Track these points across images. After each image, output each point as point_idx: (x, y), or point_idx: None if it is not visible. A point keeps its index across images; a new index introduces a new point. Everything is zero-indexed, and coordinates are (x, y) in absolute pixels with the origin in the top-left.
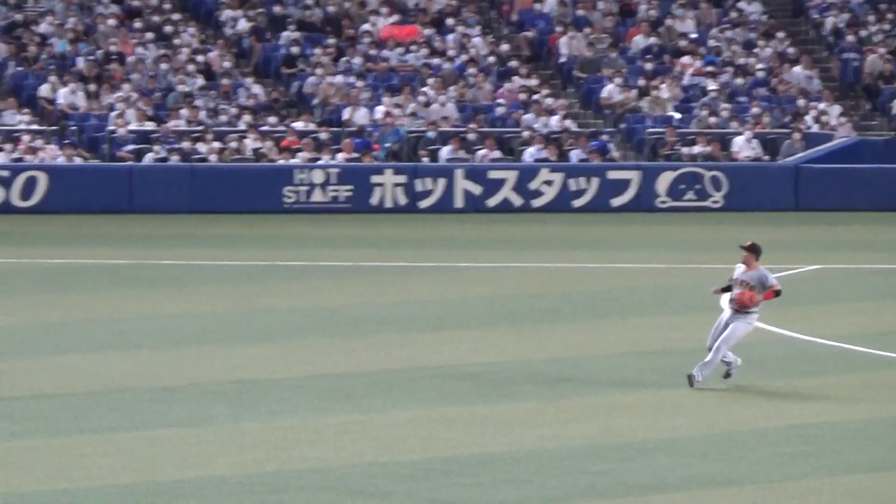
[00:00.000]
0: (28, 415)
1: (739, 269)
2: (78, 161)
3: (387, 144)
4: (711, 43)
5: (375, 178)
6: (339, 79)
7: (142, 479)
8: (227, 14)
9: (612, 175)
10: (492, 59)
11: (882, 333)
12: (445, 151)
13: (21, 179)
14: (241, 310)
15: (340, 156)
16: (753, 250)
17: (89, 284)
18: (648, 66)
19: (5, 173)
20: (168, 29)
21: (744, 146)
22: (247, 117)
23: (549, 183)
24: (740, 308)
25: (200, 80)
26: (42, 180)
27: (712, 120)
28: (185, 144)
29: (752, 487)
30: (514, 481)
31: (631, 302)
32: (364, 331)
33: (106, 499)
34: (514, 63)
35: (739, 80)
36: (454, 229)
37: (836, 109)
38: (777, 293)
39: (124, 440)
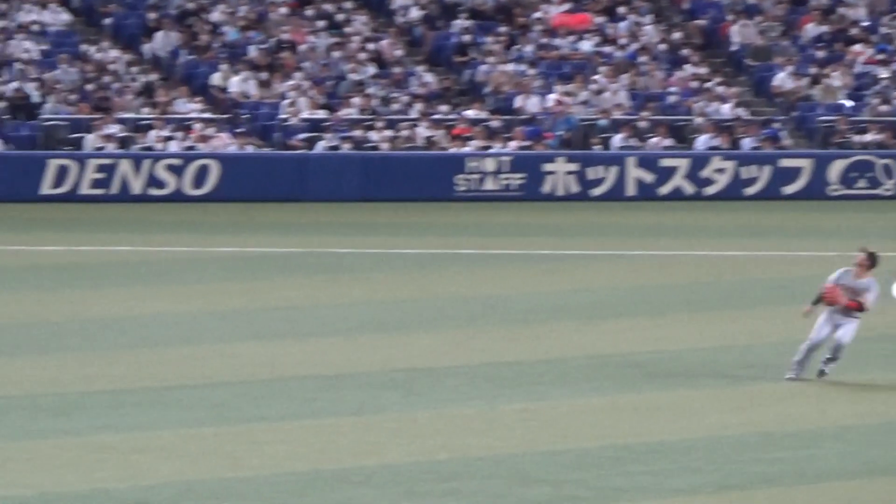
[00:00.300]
0: (202, 402)
1: (846, 273)
2: (250, 149)
3: (559, 132)
4: (883, 31)
5: (547, 167)
6: (510, 67)
7: (314, 466)
8: (398, 2)
9: (784, 163)
10: (663, 47)
11: None
12: (617, 139)
13: (193, 168)
14: (413, 297)
15: (512, 144)
16: (872, 260)
17: (263, 273)
18: (820, 54)
19: (178, 161)
20: (340, 17)
21: None
22: (419, 105)
23: (720, 171)
24: (848, 310)
25: (372, 69)
26: (214, 168)
27: (884, 108)
28: (357, 133)
29: None
30: (687, 469)
31: (804, 290)
32: (536, 319)
33: (279, 486)
34: (685, 51)
35: None
36: (626, 217)
37: None
38: (863, 309)
39: (298, 428)
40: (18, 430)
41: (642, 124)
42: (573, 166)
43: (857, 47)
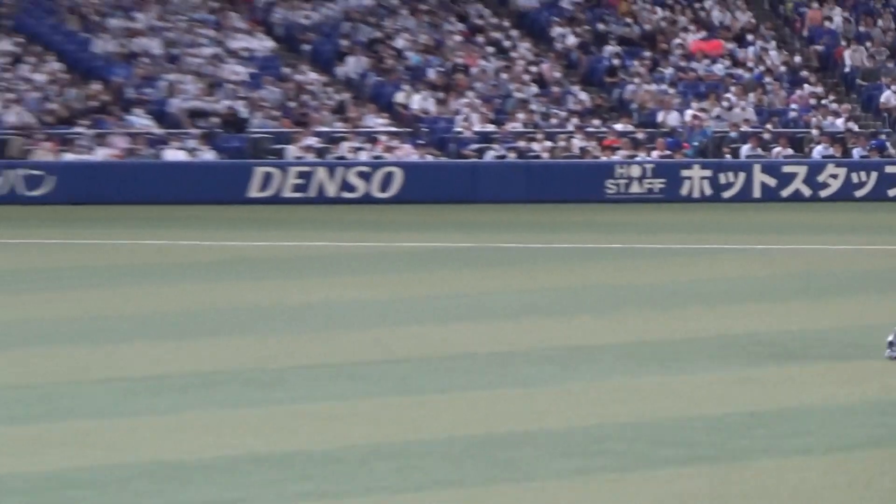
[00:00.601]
0: (388, 376)
1: None
2: (429, 158)
3: (695, 143)
4: None
5: (685, 172)
6: (654, 87)
7: (486, 430)
8: (557, 31)
9: (889, 169)
10: (785, 69)
11: None
12: (745, 149)
13: (380, 174)
14: (569, 286)
15: (655, 153)
16: None
17: (439, 265)
18: None
19: (366, 169)
20: (507, 44)
21: None
22: (574, 120)
23: (834, 176)
24: None
25: (534, 88)
26: (398, 175)
27: None
28: (521, 144)
29: None
30: (802, 433)
31: None
32: (674, 304)
33: (455, 446)
34: (804, 73)
35: None
36: (753, 216)
37: None
38: None
39: (470, 398)
40: (230, 400)
41: (766, 136)
42: (707, 172)
43: None
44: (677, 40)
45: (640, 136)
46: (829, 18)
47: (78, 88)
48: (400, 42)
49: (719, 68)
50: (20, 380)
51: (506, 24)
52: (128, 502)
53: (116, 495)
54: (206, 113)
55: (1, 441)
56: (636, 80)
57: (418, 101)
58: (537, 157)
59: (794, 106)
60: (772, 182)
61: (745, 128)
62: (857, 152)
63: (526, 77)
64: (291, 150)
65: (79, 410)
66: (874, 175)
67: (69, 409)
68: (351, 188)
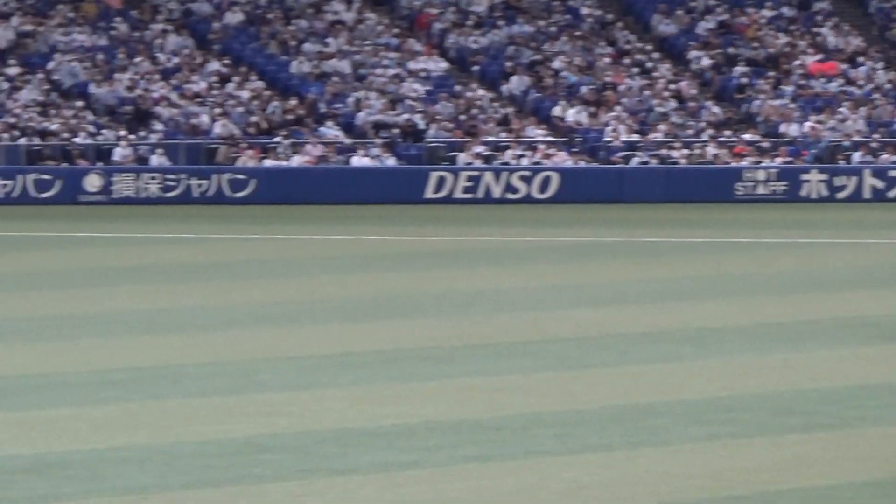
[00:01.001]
0: (546, 354)
1: None
2: (581, 164)
3: (813, 151)
4: None
5: (804, 176)
6: (777, 102)
7: (628, 402)
8: (693, 53)
9: None
10: (891, 86)
11: None
12: (857, 156)
13: (539, 178)
14: (702, 274)
15: (778, 160)
16: None
17: (592, 256)
18: None
19: (527, 173)
20: (649, 65)
21: None
22: (708, 131)
23: None
24: None
25: (673, 103)
26: (555, 178)
27: None
28: (662, 151)
29: None
30: None
31: None
32: (795, 290)
33: (605, 415)
34: None
35: None
36: (864, 215)
37: None
38: None
39: (616, 373)
40: (407, 375)
41: (875, 145)
42: (823, 176)
43: None
44: (797, 61)
45: (765, 144)
46: None
47: (277, 104)
48: (557, 63)
49: (834, 86)
50: (222, 357)
51: (649, 47)
52: (316, 465)
53: (305, 459)
54: (388, 125)
55: (202, 411)
56: (762, 96)
57: (573, 115)
58: (676, 162)
59: None
60: (880, 185)
61: (856, 137)
62: None
63: (666, 93)
64: (462, 157)
65: (271, 384)
66: None
67: (263, 382)
68: (514, 190)
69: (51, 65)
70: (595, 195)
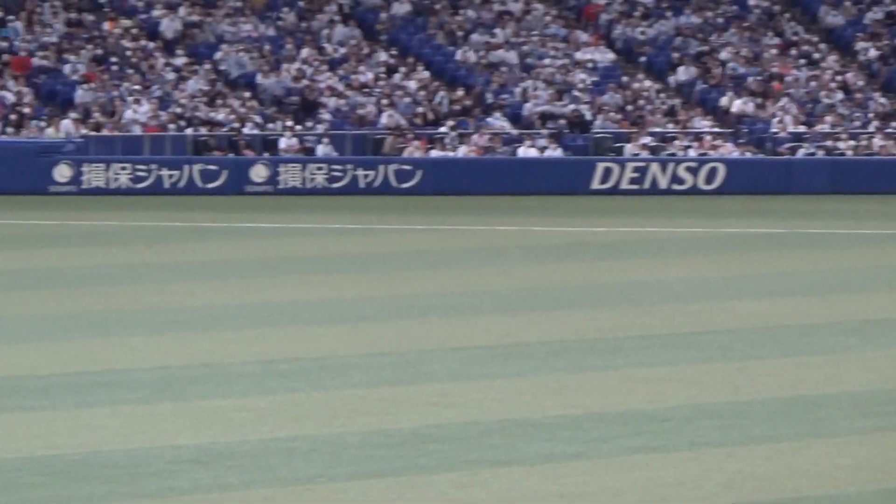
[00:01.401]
0: (710, 345)
1: None
2: (748, 155)
3: None
4: None
5: None
6: None
7: (791, 394)
8: (860, 45)
9: None
10: None
11: None
12: None
13: (705, 169)
14: (872, 266)
15: None
16: None
17: (759, 248)
18: None
19: (694, 164)
20: (816, 56)
21: None
22: (875, 122)
23: None
24: None
25: (840, 94)
26: (721, 169)
27: None
28: (829, 142)
29: None
30: None
31: None
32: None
33: (765, 407)
34: None
35: None
36: None
37: None
38: None
39: (778, 364)
40: (572, 366)
41: None
42: None
43: None
44: None
45: None
46: None
47: (444, 94)
48: (724, 54)
49: None
50: (388, 348)
51: (815, 39)
52: (481, 456)
53: (471, 450)
54: (555, 115)
55: (368, 402)
56: None
57: (739, 106)
58: (842, 154)
59: None
60: None
61: None
62: None
63: (833, 85)
64: (629, 148)
65: (437, 375)
66: None
67: (429, 373)
68: (680, 181)
69: (218, 55)
70: (761, 186)
